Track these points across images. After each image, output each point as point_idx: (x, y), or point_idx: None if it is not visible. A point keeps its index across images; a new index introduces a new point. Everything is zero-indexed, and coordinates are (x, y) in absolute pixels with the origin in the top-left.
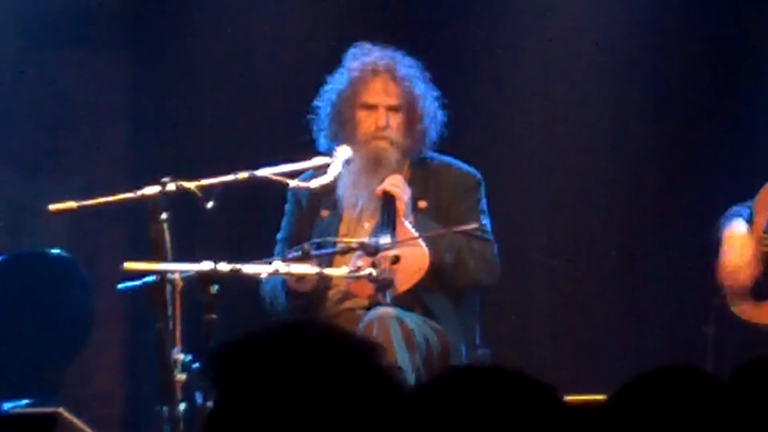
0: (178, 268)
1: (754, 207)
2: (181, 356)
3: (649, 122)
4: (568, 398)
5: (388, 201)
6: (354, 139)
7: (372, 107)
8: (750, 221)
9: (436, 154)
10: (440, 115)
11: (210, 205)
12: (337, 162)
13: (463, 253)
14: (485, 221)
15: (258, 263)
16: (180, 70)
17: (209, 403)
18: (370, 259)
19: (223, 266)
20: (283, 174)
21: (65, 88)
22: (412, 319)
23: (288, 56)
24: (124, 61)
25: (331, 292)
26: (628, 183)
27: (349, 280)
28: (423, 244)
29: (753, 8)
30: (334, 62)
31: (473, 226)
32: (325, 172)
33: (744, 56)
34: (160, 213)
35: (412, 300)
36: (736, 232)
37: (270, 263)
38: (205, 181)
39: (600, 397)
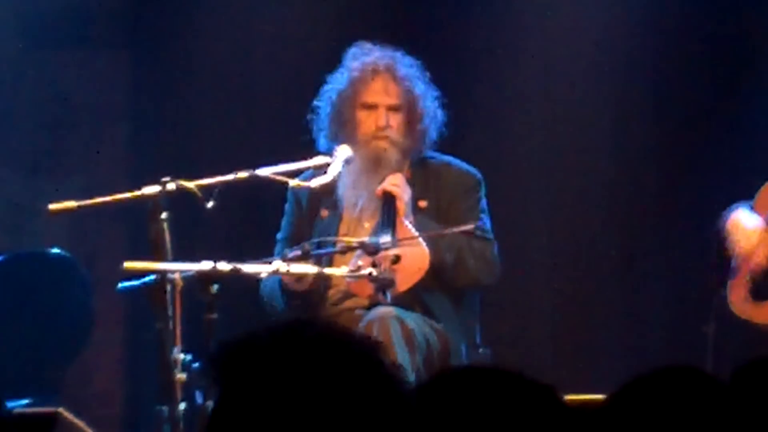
0: (178, 268)
1: (753, 206)
2: (181, 356)
3: (649, 122)
4: (568, 398)
5: (388, 201)
6: (354, 139)
7: (372, 107)
8: None
9: (436, 154)
10: (440, 114)
11: (210, 204)
12: (337, 162)
13: (464, 253)
14: (485, 221)
15: (258, 263)
16: (180, 70)
17: (209, 403)
18: (370, 259)
19: (223, 266)
20: (283, 173)
21: (65, 88)
22: (413, 319)
23: (288, 56)
24: (124, 61)
25: (331, 292)
26: (628, 183)
27: (349, 279)
28: (423, 244)
29: (753, 8)
30: (334, 62)
31: (469, 227)
32: (325, 172)
33: (744, 56)
34: (160, 213)
35: (412, 300)
36: (740, 217)
37: (270, 263)
38: (205, 181)
39: (600, 397)
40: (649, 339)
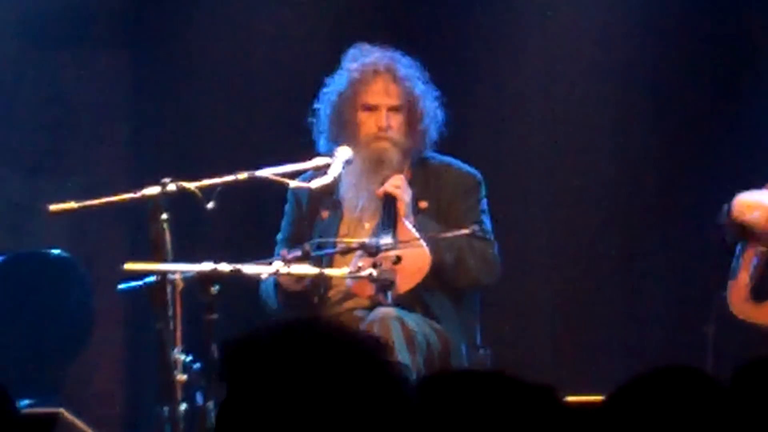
0: (178, 269)
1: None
2: (181, 356)
3: (649, 122)
4: (568, 398)
5: (389, 201)
6: (355, 140)
7: (373, 108)
8: None
9: (436, 154)
10: (440, 114)
11: (210, 205)
12: (338, 162)
13: (464, 253)
14: (485, 221)
15: (258, 263)
16: (180, 70)
17: (209, 404)
18: (370, 260)
19: (224, 266)
20: (284, 174)
21: (65, 88)
22: (413, 320)
23: (288, 56)
24: (124, 61)
25: (331, 293)
26: (628, 183)
27: (349, 280)
28: (424, 245)
29: (753, 8)
30: (334, 62)
31: (464, 231)
32: (325, 173)
33: (744, 56)
34: (161, 213)
35: (412, 300)
36: (747, 195)
37: (270, 263)
38: (205, 181)
39: (600, 397)
40: (649, 339)
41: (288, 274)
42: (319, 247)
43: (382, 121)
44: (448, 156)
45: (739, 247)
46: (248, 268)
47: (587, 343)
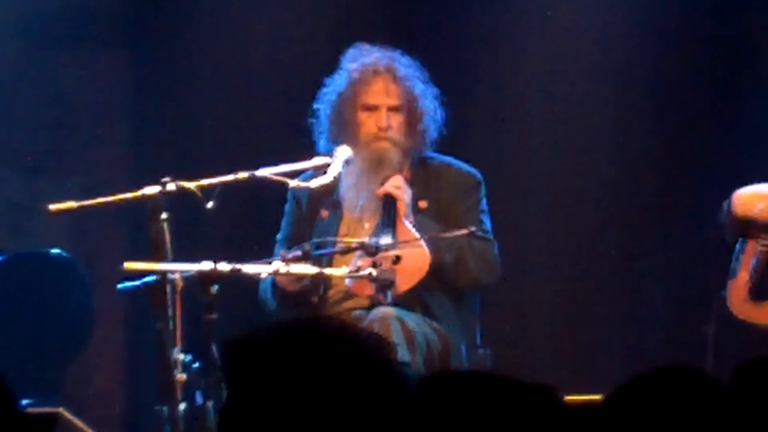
0: (178, 268)
1: None
2: (181, 356)
3: (649, 122)
4: (568, 398)
5: (388, 201)
6: (356, 140)
7: (373, 108)
8: None
9: (436, 154)
10: (440, 114)
11: (210, 205)
12: (337, 162)
13: (464, 253)
14: (485, 221)
15: (258, 263)
16: (180, 70)
17: (209, 403)
18: (370, 259)
19: (223, 266)
20: (283, 174)
21: (65, 88)
22: (413, 319)
23: (288, 56)
24: (124, 61)
25: (331, 293)
26: (628, 183)
27: (349, 280)
28: (423, 245)
29: (753, 8)
30: (334, 62)
31: (463, 232)
32: (325, 173)
33: (744, 56)
34: (160, 213)
35: (412, 300)
36: (746, 190)
37: (270, 263)
38: (205, 181)
39: (600, 397)
40: (649, 339)
41: (288, 273)
42: (319, 246)
43: (382, 121)
44: (448, 156)
45: (738, 247)
46: (248, 268)
47: (587, 343)
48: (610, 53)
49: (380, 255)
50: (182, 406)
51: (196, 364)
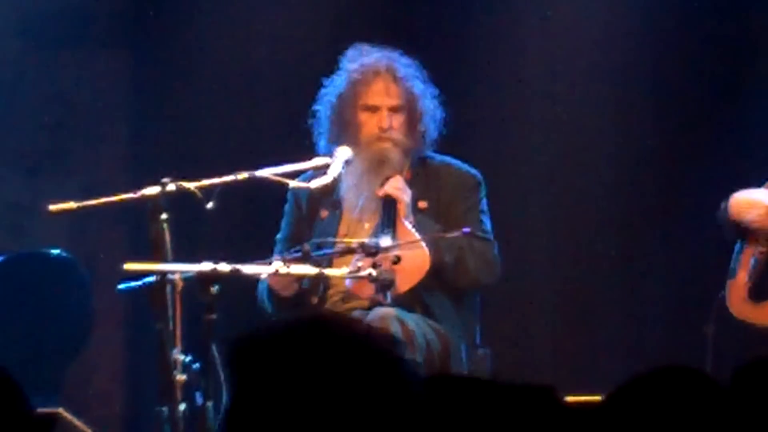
0: (178, 269)
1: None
2: (181, 356)
3: (649, 122)
4: (568, 398)
5: (388, 202)
6: (356, 140)
7: (374, 109)
8: None
9: (436, 155)
10: (439, 113)
11: (210, 205)
12: (337, 162)
13: (464, 253)
14: (485, 221)
15: (258, 263)
16: (180, 70)
17: (209, 403)
18: (370, 260)
19: (223, 266)
20: (283, 174)
21: (65, 88)
22: (413, 320)
23: (288, 56)
24: (124, 61)
25: (331, 293)
26: (628, 183)
27: (349, 280)
28: (423, 245)
29: (753, 8)
30: (334, 62)
31: (456, 234)
32: (325, 173)
33: (744, 56)
34: (160, 213)
35: (412, 300)
36: (744, 195)
37: (270, 263)
38: (205, 181)
39: (600, 397)
40: (649, 339)
41: (288, 274)
42: (319, 247)
43: (383, 121)
44: (448, 156)
45: (737, 247)
46: (248, 268)
47: (587, 343)
48: (610, 53)
49: (380, 255)
50: (182, 407)
51: (196, 365)
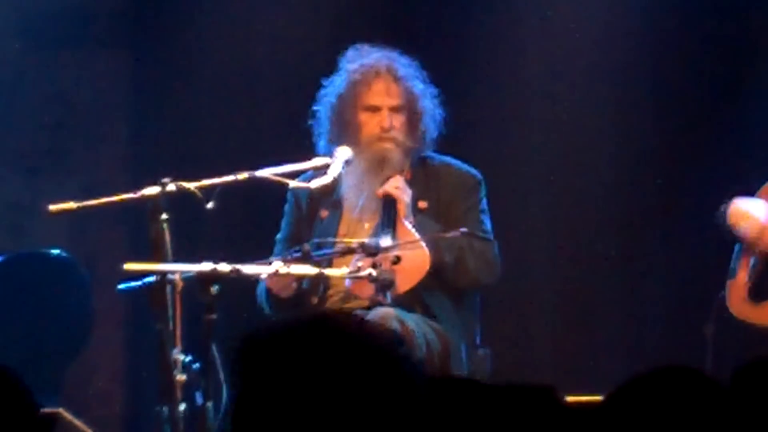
0: (178, 269)
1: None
2: (181, 356)
3: (649, 122)
4: (568, 398)
5: (388, 202)
6: (357, 141)
7: (375, 109)
8: None
9: (436, 154)
10: (439, 113)
11: (210, 205)
12: (337, 162)
13: (464, 253)
14: (485, 221)
15: (258, 263)
16: (180, 70)
17: (209, 403)
18: (370, 260)
19: (223, 266)
20: (283, 174)
21: (65, 88)
22: (413, 320)
23: (288, 56)
24: (124, 61)
25: (330, 293)
26: (628, 183)
27: (349, 280)
28: (423, 245)
29: (753, 8)
30: (333, 63)
31: (452, 234)
32: (325, 173)
33: (744, 56)
34: (160, 213)
35: (412, 300)
36: (740, 202)
37: (270, 263)
38: (205, 181)
39: (600, 397)
40: (649, 339)
41: (287, 274)
42: (319, 247)
43: (385, 121)
44: (448, 156)
45: (737, 247)
46: (248, 268)
47: (587, 343)
48: (610, 53)
49: (380, 255)
50: (182, 407)
51: (196, 365)
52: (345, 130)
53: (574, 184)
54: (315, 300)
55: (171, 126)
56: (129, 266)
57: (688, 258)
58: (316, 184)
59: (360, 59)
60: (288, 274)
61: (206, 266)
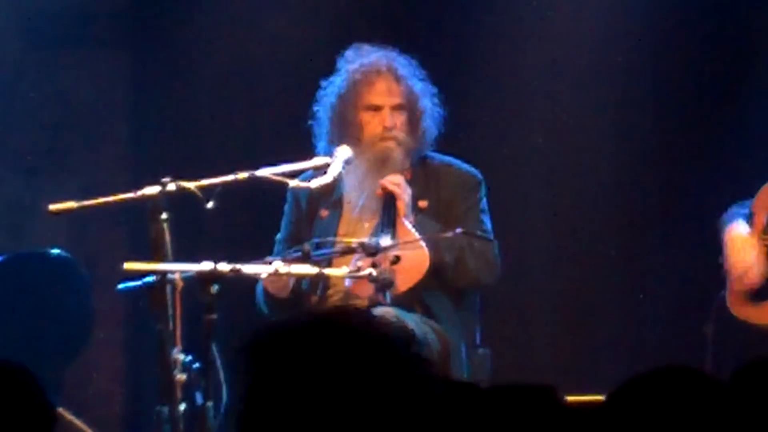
0: (178, 269)
1: (753, 207)
2: (181, 356)
3: (649, 122)
4: (568, 398)
5: (388, 201)
6: (359, 140)
7: (376, 108)
8: (749, 221)
9: (436, 154)
10: (438, 112)
11: (210, 205)
12: (337, 162)
13: (464, 253)
14: (485, 221)
15: (258, 263)
16: (180, 70)
17: (209, 403)
18: (370, 260)
19: (223, 266)
20: (283, 174)
21: (65, 88)
22: (413, 320)
23: (288, 56)
24: (124, 61)
25: (330, 293)
26: (628, 183)
27: (348, 280)
28: (423, 245)
29: (753, 8)
30: (333, 62)
31: (449, 235)
32: (325, 173)
33: (744, 56)
34: (160, 213)
35: (412, 300)
36: (736, 233)
37: (270, 263)
38: (205, 181)
39: (600, 397)
40: (649, 339)
41: (288, 273)
42: (319, 246)
43: (387, 120)
44: (448, 156)
45: None
46: (248, 268)
47: (587, 343)
48: (610, 53)
49: (380, 255)
50: (182, 406)
51: (196, 365)
52: (346, 130)
53: (574, 184)
54: (315, 300)
55: (171, 126)
56: (129, 266)
57: (688, 258)
58: (316, 183)
59: (360, 59)
60: (285, 275)
61: (206, 266)
